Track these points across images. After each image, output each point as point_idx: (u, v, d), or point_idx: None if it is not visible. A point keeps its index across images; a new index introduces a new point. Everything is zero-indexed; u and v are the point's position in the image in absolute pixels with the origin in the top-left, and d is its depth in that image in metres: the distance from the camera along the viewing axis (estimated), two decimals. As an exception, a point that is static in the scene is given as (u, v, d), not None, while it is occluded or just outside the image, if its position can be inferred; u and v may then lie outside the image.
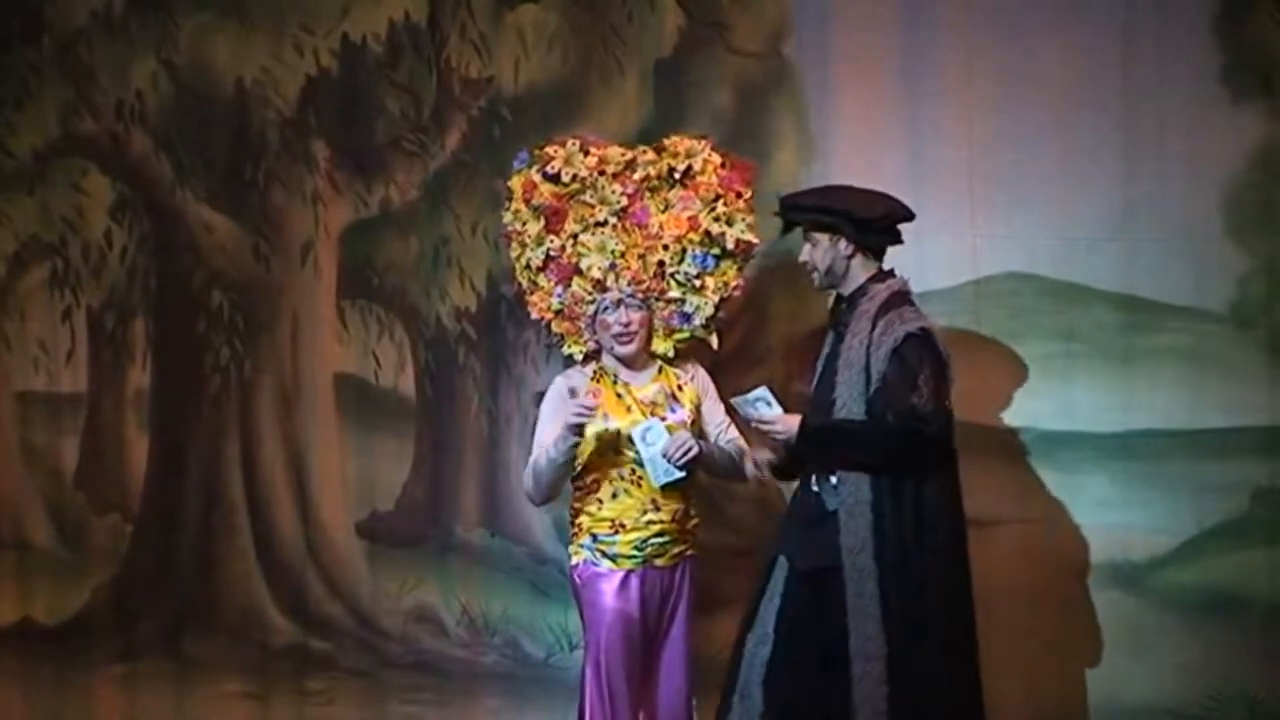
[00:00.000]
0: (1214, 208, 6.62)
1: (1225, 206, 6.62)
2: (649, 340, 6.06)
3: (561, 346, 6.12)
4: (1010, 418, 6.74)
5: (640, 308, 5.99)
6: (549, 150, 6.09)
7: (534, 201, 6.06)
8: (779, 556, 5.94)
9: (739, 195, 6.06)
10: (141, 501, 7.30)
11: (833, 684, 5.76)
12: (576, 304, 6.03)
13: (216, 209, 7.23)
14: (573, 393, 5.96)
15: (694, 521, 6.06)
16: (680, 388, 6.06)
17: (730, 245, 6.04)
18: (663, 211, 6.07)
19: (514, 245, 6.12)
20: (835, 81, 6.82)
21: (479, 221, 7.01)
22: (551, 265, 6.05)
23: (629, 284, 5.98)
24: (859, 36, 6.81)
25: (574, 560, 6.03)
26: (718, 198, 6.04)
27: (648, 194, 6.09)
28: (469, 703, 7.07)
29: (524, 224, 6.08)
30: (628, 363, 6.02)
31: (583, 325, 6.05)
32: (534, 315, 6.11)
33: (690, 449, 5.84)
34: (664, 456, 5.85)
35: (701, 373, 6.18)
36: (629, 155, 6.10)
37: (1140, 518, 6.67)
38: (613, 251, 5.99)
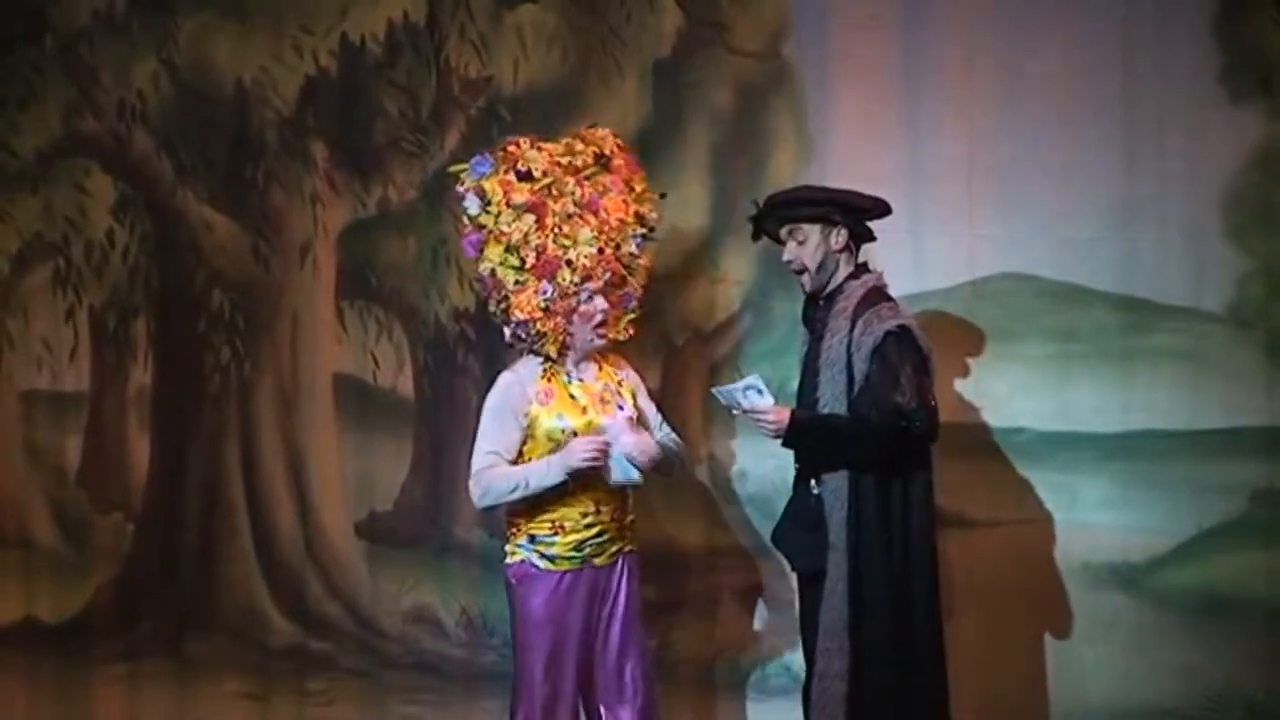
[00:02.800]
0: (1213, 208, 6.62)
1: (1224, 207, 6.62)
2: None
3: (541, 347, 5.85)
4: (1009, 418, 6.73)
5: (609, 293, 5.90)
6: (511, 150, 5.91)
7: (514, 201, 5.92)
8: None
9: (643, 179, 5.99)
10: (143, 501, 7.30)
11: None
12: (563, 298, 5.87)
13: (217, 209, 7.24)
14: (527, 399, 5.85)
15: (631, 518, 5.95)
16: (620, 383, 5.97)
17: (651, 226, 5.97)
18: (602, 197, 5.99)
19: (490, 249, 5.86)
20: (834, 81, 6.81)
21: (477, 222, 7.01)
22: (538, 262, 5.87)
23: (604, 270, 5.89)
24: (858, 35, 6.80)
25: (509, 560, 5.90)
26: (629, 180, 5.95)
27: (586, 182, 5.95)
28: (468, 703, 7.06)
29: (509, 224, 5.87)
30: (577, 357, 5.89)
31: (562, 321, 5.86)
32: (520, 316, 5.81)
33: (653, 452, 5.79)
34: (627, 458, 5.77)
35: (630, 369, 6.08)
36: (565, 146, 5.96)
37: (1139, 518, 6.67)
38: (591, 240, 5.87)
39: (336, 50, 7.11)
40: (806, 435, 5.79)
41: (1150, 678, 6.68)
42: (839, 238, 5.87)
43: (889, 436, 5.69)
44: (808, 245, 5.88)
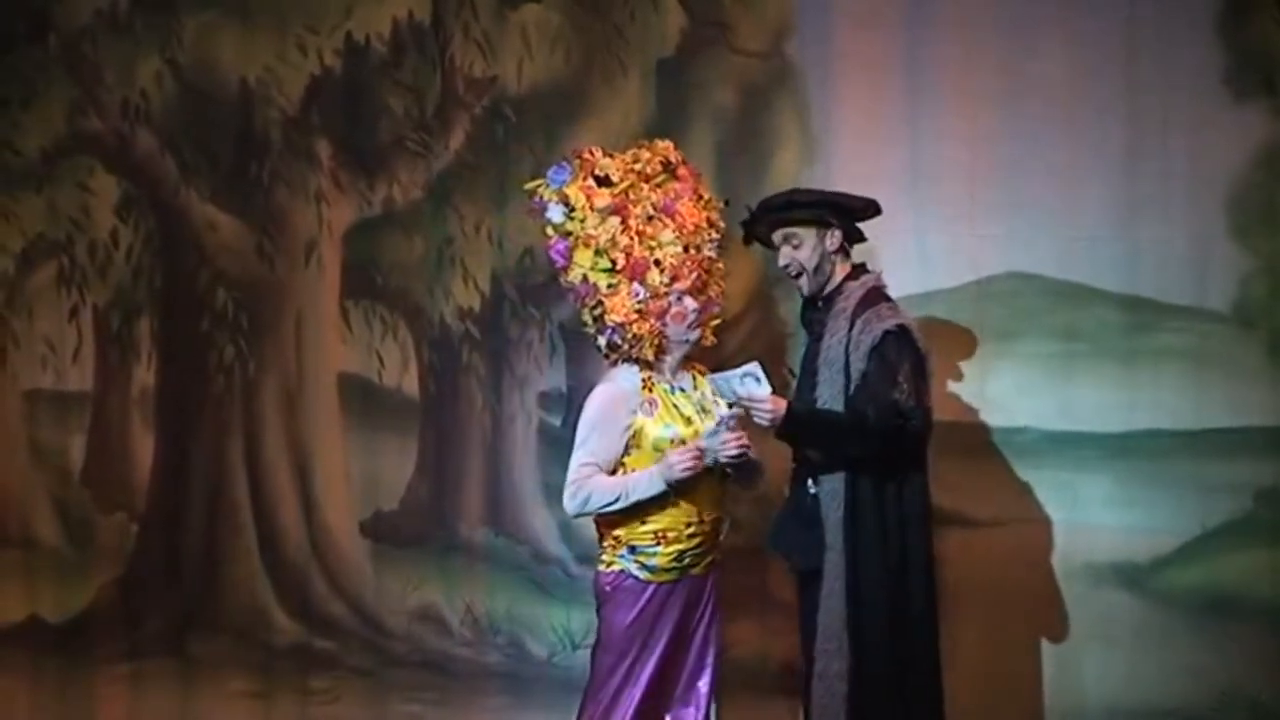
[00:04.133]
0: (1217, 207, 6.62)
1: (1228, 206, 6.62)
2: None
3: (638, 352, 5.76)
4: (1012, 418, 6.73)
5: (696, 296, 5.83)
6: (586, 158, 5.85)
7: (597, 205, 5.81)
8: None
9: (706, 186, 5.98)
10: (147, 500, 7.31)
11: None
12: (654, 299, 5.75)
13: (221, 208, 7.25)
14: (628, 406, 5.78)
15: (725, 527, 5.93)
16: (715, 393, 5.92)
17: (721, 232, 5.93)
18: (675, 202, 5.97)
19: (580, 254, 5.77)
20: (836, 80, 6.82)
21: (482, 221, 7.02)
22: (628, 263, 5.76)
23: (690, 270, 5.79)
24: (861, 34, 6.81)
25: (604, 569, 5.83)
26: (695, 188, 5.92)
27: (658, 189, 5.98)
28: (472, 702, 7.08)
29: (595, 227, 5.78)
30: (674, 363, 5.84)
31: (656, 323, 5.77)
32: (617, 319, 5.72)
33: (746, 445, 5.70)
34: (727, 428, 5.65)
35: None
36: (632, 155, 6.00)
37: (1143, 518, 6.67)
38: (674, 240, 5.78)
39: (341, 49, 7.12)
40: (803, 428, 5.76)
41: (1154, 678, 6.68)
42: (833, 239, 5.87)
43: (886, 433, 5.68)
44: (803, 249, 5.88)
